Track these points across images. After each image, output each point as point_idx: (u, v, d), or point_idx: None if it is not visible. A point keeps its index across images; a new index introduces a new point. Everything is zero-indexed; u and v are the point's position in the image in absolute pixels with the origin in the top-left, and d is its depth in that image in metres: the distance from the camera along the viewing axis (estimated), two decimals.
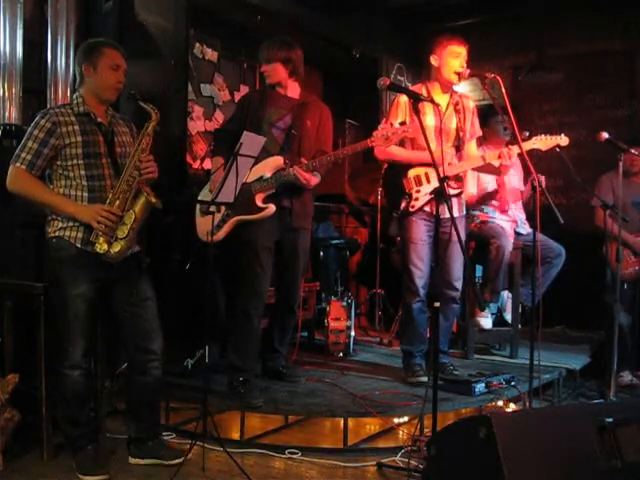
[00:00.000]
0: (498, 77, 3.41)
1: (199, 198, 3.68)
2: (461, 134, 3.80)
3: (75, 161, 2.80)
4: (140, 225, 2.84)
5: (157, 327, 2.96)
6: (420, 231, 3.75)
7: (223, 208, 3.51)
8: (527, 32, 6.32)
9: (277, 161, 3.55)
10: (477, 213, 4.63)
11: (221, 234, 3.54)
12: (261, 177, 3.53)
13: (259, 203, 3.54)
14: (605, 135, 3.88)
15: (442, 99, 3.76)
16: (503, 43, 6.52)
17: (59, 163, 2.82)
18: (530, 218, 4.53)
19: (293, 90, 3.70)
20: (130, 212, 2.81)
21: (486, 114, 4.56)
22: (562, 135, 3.79)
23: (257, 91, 4.18)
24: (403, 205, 3.76)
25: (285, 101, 3.66)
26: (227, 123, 3.94)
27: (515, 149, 3.68)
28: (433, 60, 3.75)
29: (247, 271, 3.57)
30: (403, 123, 3.75)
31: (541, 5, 5.98)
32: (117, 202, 2.80)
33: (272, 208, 3.52)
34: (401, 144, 3.81)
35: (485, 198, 4.60)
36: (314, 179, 3.57)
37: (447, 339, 4.07)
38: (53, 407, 3.01)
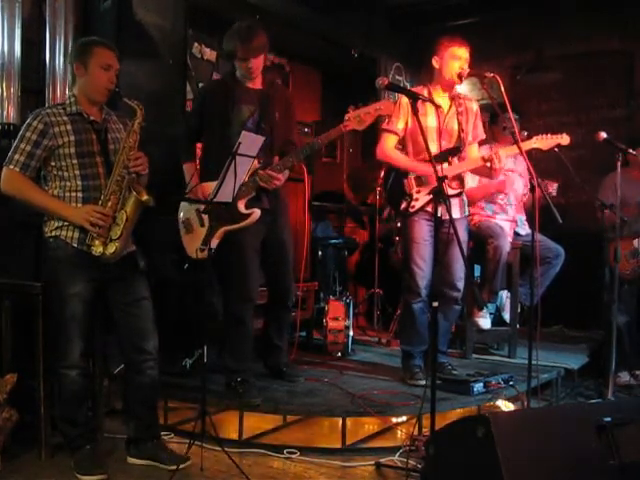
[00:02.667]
0: (497, 77, 3.42)
1: (180, 214, 3.62)
2: (462, 135, 3.80)
3: (69, 161, 2.80)
4: (133, 224, 2.83)
5: (152, 327, 2.96)
6: (422, 231, 3.75)
7: (207, 222, 3.38)
8: (526, 32, 6.32)
9: (252, 163, 3.48)
10: (477, 211, 4.63)
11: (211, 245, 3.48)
12: None
13: (242, 209, 3.47)
14: (603, 135, 3.88)
15: (444, 100, 3.77)
16: (502, 43, 6.51)
17: (53, 164, 2.81)
18: (530, 218, 4.53)
19: (258, 80, 3.56)
20: (122, 212, 2.80)
21: (494, 112, 4.55)
22: (564, 134, 3.79)
23: (218, 84, 3.84)
24: (403, 206, 3.76)
25: (252, 94, 3.54)
26: (188, 119, 3.83)
27: (503, 152, 3.69)
28: (435, 62, 3.75)
29: (236, 274, 3.54)
30: (405, 124, 3.75)
31: (540, 5, 5.98)
32: (109, 203, 2.80)
33: (257, 213, 3.47)
34: (403, 145, 3.82)
35: (490, 193, 4.58)
36: (283, 177, 3.52)
37: (446, 339, 4.07)
38: (51, 407, 3.01)
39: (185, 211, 3.61)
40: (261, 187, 3.49)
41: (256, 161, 3.42)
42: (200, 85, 5.80)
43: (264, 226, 3.58)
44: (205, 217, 3.39)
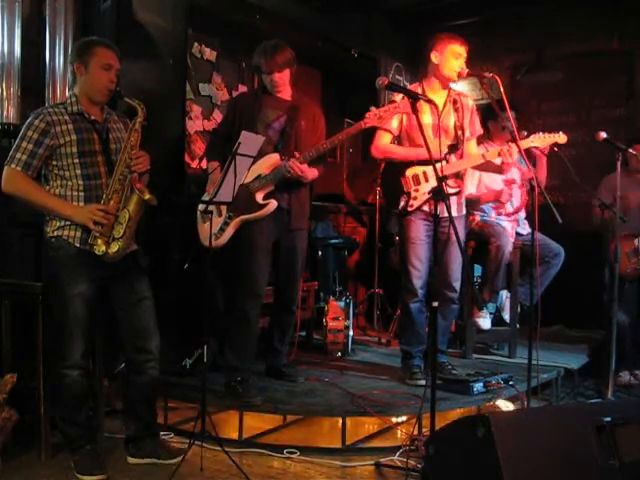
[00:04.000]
0: (497, 77, 3.42)
1: (200, 204, 3.67)
2: (459, 132, 3.80)
3: (70, 160, 2.79)
4: (136, 223, 2.83)
5: (154, 326, 2.96)
6: (419, 231, 3.75)
7: (224, 212, 3.52)
8: (526, 32, 6.32)
9: (274, 158, 3.55)
10: (478, 213, 4.63)
11: (225, 237, 3.54)
12: (259, 176, 3.54)
13: (260, 200, 3.54)
14: (603, 135, 3.88)
15: (439, 97, 3.75)
16: (502, 42, 6.52)
17: (54, 163, 2.81)
18: (529, 218, 4.53)
19: (287, 92, 3.69)
20: (124, 211, 2.80)
21: (492, 111, 4.54)
22: (560, 133, 3.79)
23: (249, 93, 4.14)
24: (402, 204, 3.75)
25: (280, 103, 3.66)
26: (219, 126, 3.94)
27: (515, 147, 3.67)
28: (434, 57, 3.74)
29: (245, 272, 3.57)
30: (400, 122, 3.77)
31: (540, 5, 5.98)
32: (111, 202, 2.80)
33: (274, 203, 3.54)
34: (399, 143, 3.82)
35: (490, 198, 4.58)
36: (310, 171, 3.57)
37: (446, 339, 4.07)
38: (51, 407, 3.01)
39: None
40: (282, 184, 3.55)
41: (278, 157, 3.54)
42: (200, 85, 5.82)
43: (278, 226, 3.62)
44: (222, 207, 3.50)
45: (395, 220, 3.91)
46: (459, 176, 3.83)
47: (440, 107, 3.71)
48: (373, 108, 3.54)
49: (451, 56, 3.69)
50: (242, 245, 3.57)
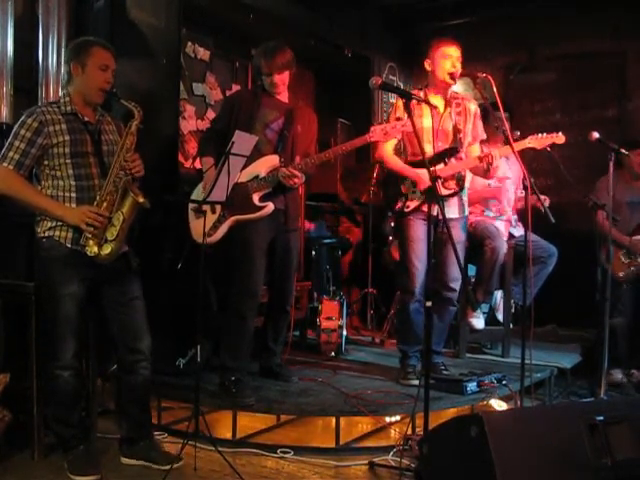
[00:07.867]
0: (490, 77, 3.43)
1: (192, 198, 3.67)
2: (460, 136, 3.80)
3: (63, 160, 2.78)
4: (129, 226, 2.82)
5: (145, 327, 2.95)
6: (419, 230, 3.74)
7: (219, 209, 3.51)
8: (519, 32, 6.33)
9: (273, 160, 3.56)
10: (474, 211, 4.63)
11: (218, 235, 3.54)
12: (257, 176, 3.54)
13: (256, 202, 3.54)
14: (596, 135, 3.90)
15: (439, 101, 3.77)
16: (495, 43, 6.52)
17: (46, 163, 2.80)
18: (522, 219, 4.54)
19: (284, 94, 3.71)
20: (118, 213, 2.79)
21: (485, 112, 4.56)
22: (559, 133, 3.78)
23: (248, 91, 4.15)
24: (399, 205, 3.76)
25: (278, 105, 3.67)
26: (214, 122, 3.93)
27: (497, 152, 3.68)
28: (427, 65, 3.78)
29: (243, 272, 3.58)
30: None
31: (533, 5, 6.00)
32: (105, 203, 2.78)
33: (271, 206, 3.54)
34: (402, 146, 3.83)
35: (485, 198, 4.59)
36: (300, 179, 3.58)
37: (442, 340, 4.06)
38: (45, 407, 3.00)
39: (198, 195, 3.63)
40: (279, 185, 3.55)
41: (277, 159, 3.54)
42: (193, 84, 5.81)
43: (274, 226, 3.63)
44: (217, 205, 3.48)
45: (389, 222, 3.92)
46: (459, 178, 3.82)
47: (440, 111, 3.74)
48: (377, 123, 3.55)
49: (441, 59, 3.71)
50: (239, 245, 3.57)
